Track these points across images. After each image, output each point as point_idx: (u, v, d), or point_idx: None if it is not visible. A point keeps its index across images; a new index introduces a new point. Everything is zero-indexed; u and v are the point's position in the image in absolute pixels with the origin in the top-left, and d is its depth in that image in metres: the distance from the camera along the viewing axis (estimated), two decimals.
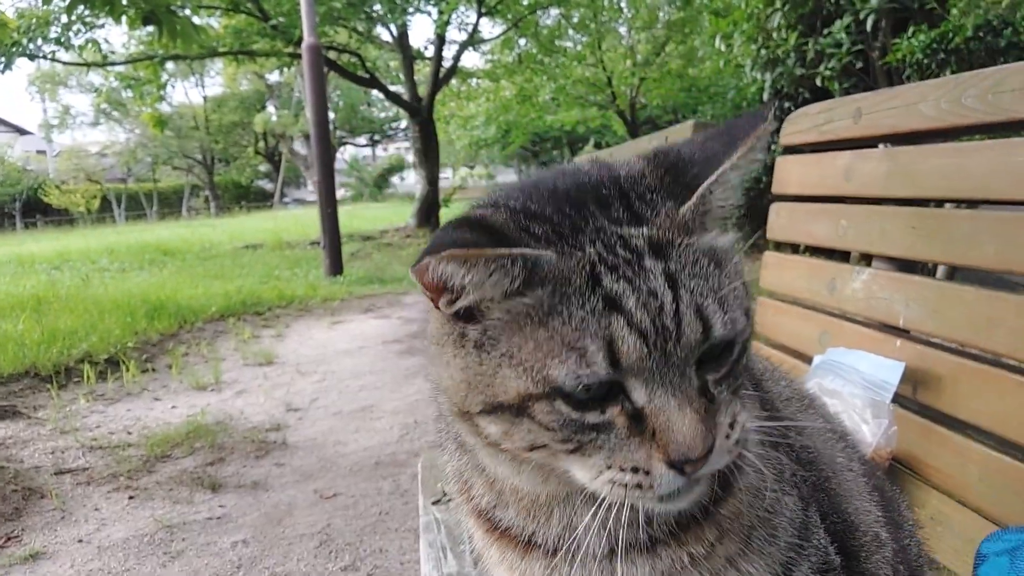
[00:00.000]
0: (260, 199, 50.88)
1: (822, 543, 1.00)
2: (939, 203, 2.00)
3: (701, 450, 0.75)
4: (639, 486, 0.78)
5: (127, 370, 6.68)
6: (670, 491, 0.79)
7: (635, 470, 0.77)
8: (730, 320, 0.79)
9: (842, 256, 2.29)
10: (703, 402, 0.78)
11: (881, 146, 2.04)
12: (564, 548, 0.92)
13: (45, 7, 13.09)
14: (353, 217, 24.79)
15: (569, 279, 0.78)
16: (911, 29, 6.70)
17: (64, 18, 13.73)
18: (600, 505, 0.82)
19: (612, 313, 0.76)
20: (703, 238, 0.83)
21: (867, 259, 2.09)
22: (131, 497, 4.23)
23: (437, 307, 0.85)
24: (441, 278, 0.79)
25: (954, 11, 6.50)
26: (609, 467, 0.78)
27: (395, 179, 55.27)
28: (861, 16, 6.91)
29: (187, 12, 7.62)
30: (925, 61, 6.54)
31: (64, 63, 18.11)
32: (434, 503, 2.00)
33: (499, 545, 1.01)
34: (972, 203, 1.77)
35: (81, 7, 7.74)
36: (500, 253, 0.76)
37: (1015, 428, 1.45)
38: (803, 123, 2.42)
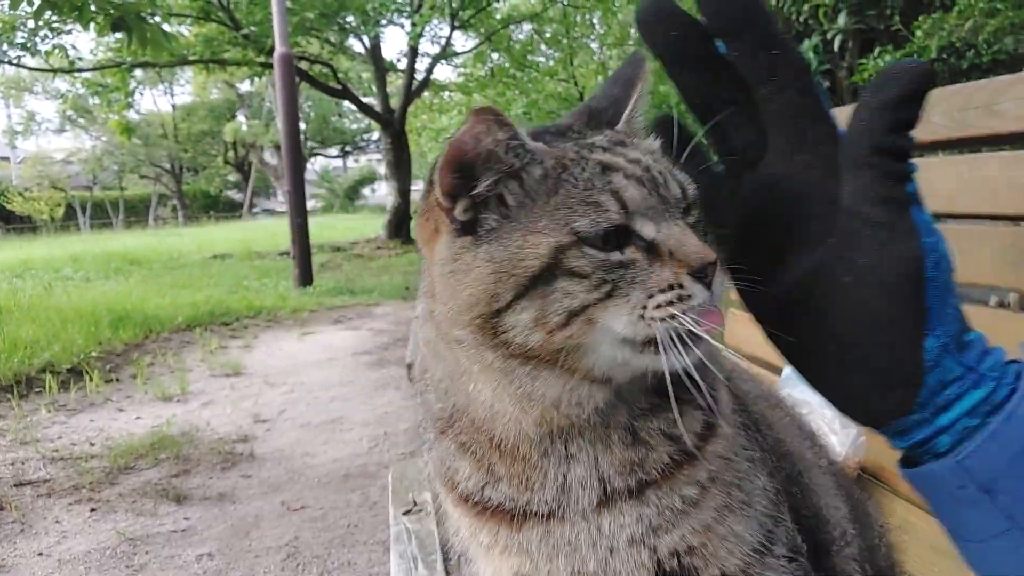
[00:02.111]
0: (229, 209, 50.44)
1: (792, 528, 1.02)
2: None
3: (712, 255, 0.86)
4: (680, 299, 0.85)
5: (90, 380, 6.58)
6: (701, 304, 0.86)
7: (671, 287, 0.86)
8: (692, 185, 0.95)
9: None
10: (696, 230, 0.92)
11: None
12: (560, 506, 0.96)
13: (11, 11, 12.90)
14: (323, 228, 24.68)
15: (564, 162, 0.92)
16: (877, 49, 6.85)
17: (31, 23, 13.55)
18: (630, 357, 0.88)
19: (610, 172, 0.90)
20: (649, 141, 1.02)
21: None
22: (93, 509, 4.16)
23: (451, 221, 0.93)
24: (473, 148, 0.89)
25: (919, 33, 6.65)
26: (650, 296, 0.86)
27: (366, 190, 55.22)
28: (829, 36, 7.05)
29: (157, 19, 7.55)
30: None
31: (30, 68, 17.86)
32: (405, 513, 1.99)
33: (491, 525, 1.00)
34: (939, 217, 1.81)
35: (49, 12, 7.61)
36: (515, 131, 0.89)
37: None
38: None
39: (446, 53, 20.46)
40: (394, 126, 19.49)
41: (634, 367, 0.88)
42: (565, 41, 21.01)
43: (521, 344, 0.88)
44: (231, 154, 47.79)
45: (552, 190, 0.90)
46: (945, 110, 1.65)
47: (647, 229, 0.89)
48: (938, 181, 1.70)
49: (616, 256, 0.87)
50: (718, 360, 1.01)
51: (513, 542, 0.99)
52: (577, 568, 0.96)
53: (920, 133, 1.73)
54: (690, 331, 0.84)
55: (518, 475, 0.97)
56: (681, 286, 0.85)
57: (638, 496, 0.94)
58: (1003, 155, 1.53)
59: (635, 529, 0.94)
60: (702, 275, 0.86)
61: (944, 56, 6.60)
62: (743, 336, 2.54)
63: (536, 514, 0.97)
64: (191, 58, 16.97)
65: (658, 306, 0.85)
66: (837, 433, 1.73)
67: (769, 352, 2.32)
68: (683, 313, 0.84)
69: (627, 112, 1.05)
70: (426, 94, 22.48)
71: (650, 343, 0.85)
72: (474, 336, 0.91)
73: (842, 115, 2.06)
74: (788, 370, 2.01)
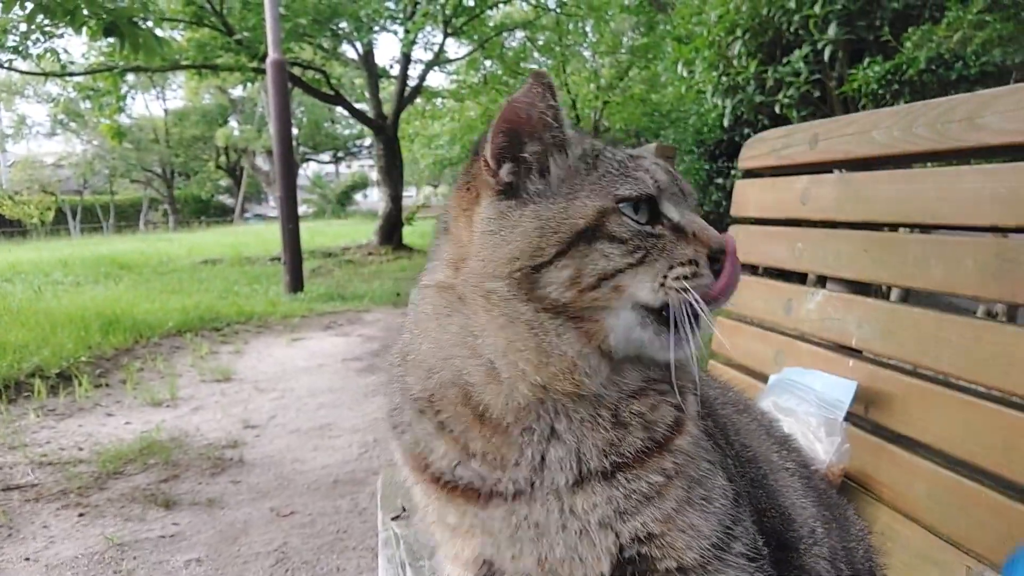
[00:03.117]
0: (220, 214, 50.30)
1: (751, 530, 1.05)
2: (894, 227, 2.06)
3: (726, 243, 1.01)
4: (695, 275, 0.98)
5: (79, 385, 6.55)
6: (708, 284, 0.99)
7: (689, 262, 0.99)
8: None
9: (798, 278, 2.35)
10: None
11: (835, 171, 2.10)
12: (531, 485, 1.00)
13: (4, 15, 12.86)
14: (315, 234, 24.64)
15: (597, 148, 1.07)
16: (867, 60, 6.89)
17: (23, 26, 13.50)
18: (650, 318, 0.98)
19: (639, 159, 1.07)
20: None
21: (822, 281, 2.14)
22: (81, 514, 4.14)
23: (495, 184, 1.03)
24: (526, 112, 1.01)
25: (908, 44, 6.70)
26: (671, 267, 0.98)
27: (358, 196, 55.20)
28: (819, 46, 7.09)
29: (149, 24, 7.53)
30: (880, 91, 6.72)
31: (21, 72, 17.79)
32: (394, 519, 1.99)
33: (458, 503, 1.04)
34: (925, 227, 1.83)
35: (41, 16, 7.60)
36: (559, 107, 1.03)
37: (960, 445, 1.50)
38: (762, 148, 2.48)
39: (439, 60, 20.48)
40: (386, 132, 19.50)
41: (640, 344, 0.98)
42: (558, 49, 21.10)
43: (555, 300, 0.96)
44: (223, 159, 47.71)
45: (592, 166, 1.03)
46: (928, 122, 1.67)
47: (672, 212, 1.03)
48: (922, 192, 1.72)
49: (649, 228, 0.99)
50: (689, 371, 1.08)
51: (478, 521, 1.02)
52: (544, 554, 0.99)
53: (904, 145, 1.76)
54: (694, 308, 0.95)
55: (494, 451, 1.00)
56: (697, 264, 0.99)
57: (610, 477, 0.98)
58: (985, 167, 1.56)
59: (605, 510, 0.97)
60: (716, 261, 1.00)
61: (933, 67, 6.65)
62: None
63: (502, 494, 1.00)
64: (183, 63, 16.95)
65: (676, 277, 0.97)
66: (822, 441, 1.75)
67: (755, 360, 2.35)
68: (695, 289, 0.96)
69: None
70: (419, 100, 22.51)
71: (663, 312, 0.97)
72: (510, 289, 0.98)
73: (836, 124, 2.08)
74: (774, 378, 2.02)
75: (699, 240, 1.01)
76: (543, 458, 0.99)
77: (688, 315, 0.95)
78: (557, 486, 0.98)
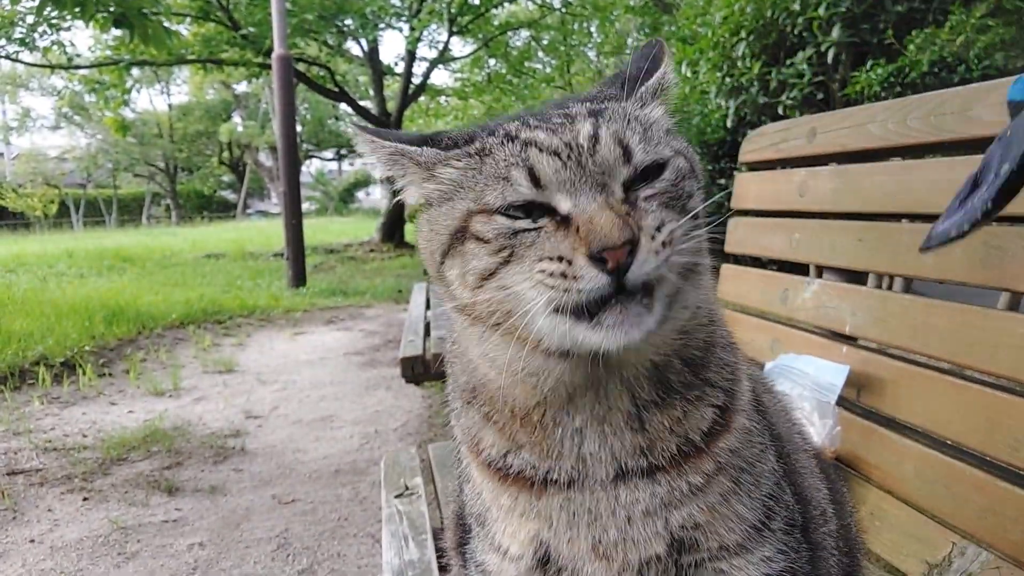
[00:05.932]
0: (223, 209, 50.34)
1: (790, 501, 1.11)
2: (897, 218, 2.11)
3: (618, 239, 0.83)
4: (563, 275, 0.85)
5: (83, 374, 6.60)
6: (595, 290, 0.85)
7: (560, 259, 0.86)
8: (653, 149, 0.95)
9: (794, 268, 2.40)
10: (625, 207, 0.89)
11: (832, 164, 2.14)
12: (580, 475, 1.02)
13: (12, 6, 12.91)
14: (317, 230, 24.66)
15: (486, 145, 0.99)
16: (870, 63, 6.93)
17: (30, 18, 13.55)
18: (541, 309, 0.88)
19: (529, 147, 0.93)
20: (636, 108, 1.03)
21: (818, 271, 2.19)
22: (85, 499, 4.19)
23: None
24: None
25: (911, 47, 6.73)
26: (539, 260, 0.88)
27: (360, 194, 55.25)
28: (822, 48, 7.13)
29: (159, 16, 7.57)
30: (882, 94, 6.75)
31: (28, 64, 17.84)
32: (397, 496, 2.05)
33: (512, 491, 1.06)
34: (914, 217, 1.87)
35: (49, 8, 7.64)
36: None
37: (947, 426, 1.55)
38: (761, 142, 2.53)
39: (444, 58, 20.54)
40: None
41: (569, 338, 0.89)
42: (562, 48, 21.14)
43: (460, 300, 0.97)
44: (226, 155, 47.72)
45: (479, 167, 0.98)
46: (922, 115, 1.72)
47: (563, 204, 0.90)
48: (915, 183, 1.77)
49: (521, 224, 0.91)
50: (737, 348, 1.10)
51: (533, 508, 1.05)
52: (598, 537, 1.02)
53: (898, 137, 1.81)
54: (585, 308, 0.86)
55: (539, 443, 1.03)
56: (570, 263, 0.85)
57: (650, 476, 1.01)
58: (977, 158, 1.60)
59: (650, 503, 1.00)
60: (601, 261, 0.83)
61: (935, 71, 6.68)
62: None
63: (557, 482, 1.03)
64: (189, 57, 16.99)
65: (540, 271, 0.87)
66: (815, 424, 1.79)
67: (752, 349, 2.39)
68: (565, 292, 0.85)
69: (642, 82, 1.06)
70: (423, 98, 22.55)
71: (561, 311, 0.87)
72: (436, 281, 1.04)
73: (833, 118, 2.12)
74: (770, 365, 2.07)
75: (580, 236, 0.85)
76: (579, 451, 1.01)
77: (581, 311, 0.87)
78: (599, 478, 1.01)
